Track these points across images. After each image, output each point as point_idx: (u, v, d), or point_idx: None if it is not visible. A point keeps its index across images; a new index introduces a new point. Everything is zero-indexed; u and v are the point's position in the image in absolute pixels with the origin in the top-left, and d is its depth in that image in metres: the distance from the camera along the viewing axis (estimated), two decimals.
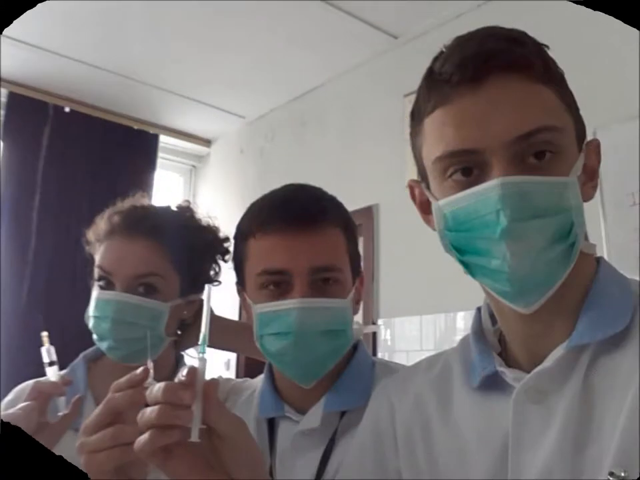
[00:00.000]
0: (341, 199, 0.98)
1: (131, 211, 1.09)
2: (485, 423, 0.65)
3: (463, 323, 2.31)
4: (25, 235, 3.14)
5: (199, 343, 0.60)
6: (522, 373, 0.65)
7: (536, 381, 0.62)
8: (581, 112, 0.67)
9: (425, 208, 0.70)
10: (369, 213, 2.76)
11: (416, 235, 2.09)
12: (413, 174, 0.73)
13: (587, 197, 0.65)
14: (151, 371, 0.63)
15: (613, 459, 0.54)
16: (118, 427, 0.62)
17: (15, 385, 1.09)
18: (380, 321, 2.63)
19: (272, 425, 0.93)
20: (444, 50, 0.66)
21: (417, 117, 0.68)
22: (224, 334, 1.14)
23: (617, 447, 0.54)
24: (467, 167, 0.62)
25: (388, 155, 2.72)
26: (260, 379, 1.01)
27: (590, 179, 0.67)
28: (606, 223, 1.96)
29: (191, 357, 1.15)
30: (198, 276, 1.10)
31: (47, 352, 0.89)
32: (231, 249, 1.04)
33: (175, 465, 0.58)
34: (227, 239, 1.14)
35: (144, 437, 0.56)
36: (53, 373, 0.89)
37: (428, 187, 0.68)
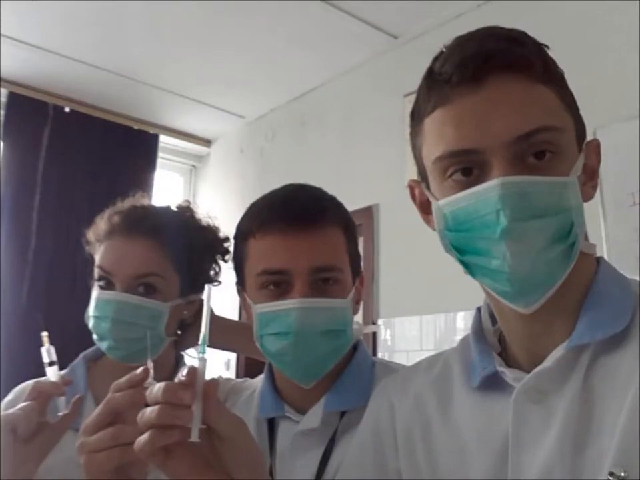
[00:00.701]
0: (341, 198, 0.98)
1: (130, 210, 1.09)
2: (485, 423, 0.65)
3: (463, 323, 2.31)
4: (25, 235, 3.14)
5: (199, 343, 0.60)
6: (522, 373, 0.65)
7: (536, 381, 0.62)
8: (581, 112, 0.67)
9: (425, 208, 0.70)
10: (368, 212, 2.76)
11: (416, 235, 2.09)
12: (413, 174, 0.73)
13: (587, 196, 0.65)
14: (151, 371, 0.63)
15: (612, 459, 0.54)
16: (118, 427, 0.62)
17: (15, 385, 1.08)
18: (380, 321, 2.63)
19: (272, 425, 0.93)
20: (444, 50, 0.66)
21: (417, 117, 0.68)
22: (224, 334, 1.14)
23: (616, 447, 0.54)
24: (466, 167, 0.62)
25: (388, 155, 2.72)
26: (260, 379, 1.01)
27: (590, 178, 0.67)
28: (606, 223, 1.96)
29: (191, 357, 1.15)
30: (198, 276, 1.10)
31: (47, 352, 0.89)
32: (231, 249, 1.04)
33: (175, 464, 0.58)
34: (227, 239, 1.14)
35: (144, 437, 0.56)
36: (53, 373, 0.88)
37: (428, 187, 0.68)
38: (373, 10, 2.59)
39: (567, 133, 0.63)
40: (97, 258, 1.05)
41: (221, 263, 1.15)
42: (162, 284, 1.03)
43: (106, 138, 3.46)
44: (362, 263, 1.00)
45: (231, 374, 3.15)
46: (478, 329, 0.73)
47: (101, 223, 1.08)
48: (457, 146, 0.61)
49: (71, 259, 3.00)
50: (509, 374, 0.66)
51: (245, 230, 0.92)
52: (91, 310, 1.03)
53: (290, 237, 0.87)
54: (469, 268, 0.65)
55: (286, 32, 2.75)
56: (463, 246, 0.64)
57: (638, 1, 1.96)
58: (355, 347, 0.97)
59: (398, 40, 2.80)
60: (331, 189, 0.98)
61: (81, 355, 1.12)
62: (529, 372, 0.63)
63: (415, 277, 2.52)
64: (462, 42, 0.64)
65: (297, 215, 0.88)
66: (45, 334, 0.89)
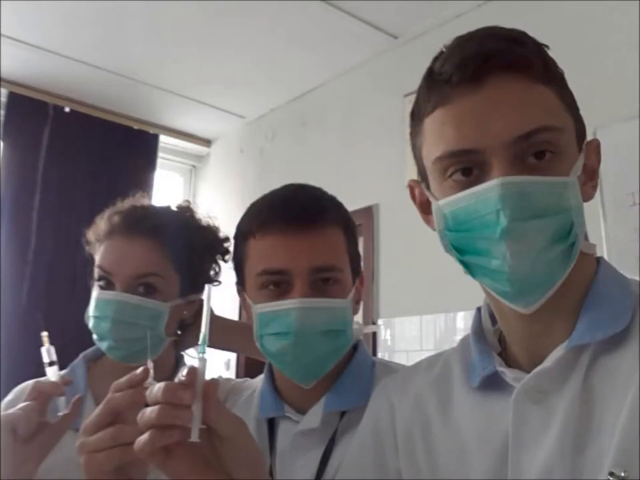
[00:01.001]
0: (341, 198, 0.98)
1: (130, 210, 1.09)
2: (485, 423, 0.65)
3: (463, 323, 2.31)
4: (25, 235, 3.14)
5: (199, 343, 0.60)
6: (522, 373, 0.65)
7: (536, 381, 0.62)
8: (581, 112, 0.67)
9: (425, 208, 0.70)
10: (369, 212, 2.76)
11: (416, 235, 2.09)
12: (413, 174, 0.73)
13: (587, 196, 0.65)
14: (151, 371, 0.63)
15: (612, 458, 0.54)
16: (118, 427, 0.62)
17: (15, 385, 1.08)
18: (380, 321, 2.63)
19: (272, 425, 0.93)
20: (444, 50, 0.66)
21: (417, 117, 0.68)
22: (224, 334, 1.14)
23: (616, 447, 0.54)
24: (466, 166, 0.62)
25: (388, 155, 2.72)
26: (260, 379, 1.01)
27: (590, 178, 0.67)
28: (606, 223, 1.96)
29: (191, 357, 1.15)
30: (198, 276, 1.10)
31: (47, 352, 0.89)
32: (231, 249, 1.04)
33: (175, 464, 0.58)
34: (227, 239, 1.14)
35: (144, 437, 0.56)
36: (53, 373, 0.88)
37: (428, 187, 0.68)
38: (373, 10, 2.59)
39: (567, 133, 0.63)
40: (97, 258, 1.05)
41: (221, 263, 1.15)
42: (162, 284, 1.03)
43: (106, 138, 3.46)
44: (362, 263, 1.00)
45: (231, 374, 3.15)
46: (478, 329, 0.73)
47: (101, 223, 1.08)
48: (457, 146, 0.61)
49: (71, 259, 3.00)
50: (509, 374, 0.66)
51: (245, 230, 0.92)
52: (91, 310, 1.03)
53: (290, 237, 0.87)
54: (468, 268, 0.65)
55: (286, 32, 2.75)
56: (463, 246, 0.64)
57: (638, 1, 1.96)
58: (355, 347, 0.97)
59: (398, 40, 2.80)
60: (331, 189, 0.98)
61: (81, 355, 1.12)
62: (529, 372, 0.63)
63: (415, 277, 2.52)
64: (462, 42, 0.64)
65: (297, 215, 0.88)
66: (45, 334, 0.89)
